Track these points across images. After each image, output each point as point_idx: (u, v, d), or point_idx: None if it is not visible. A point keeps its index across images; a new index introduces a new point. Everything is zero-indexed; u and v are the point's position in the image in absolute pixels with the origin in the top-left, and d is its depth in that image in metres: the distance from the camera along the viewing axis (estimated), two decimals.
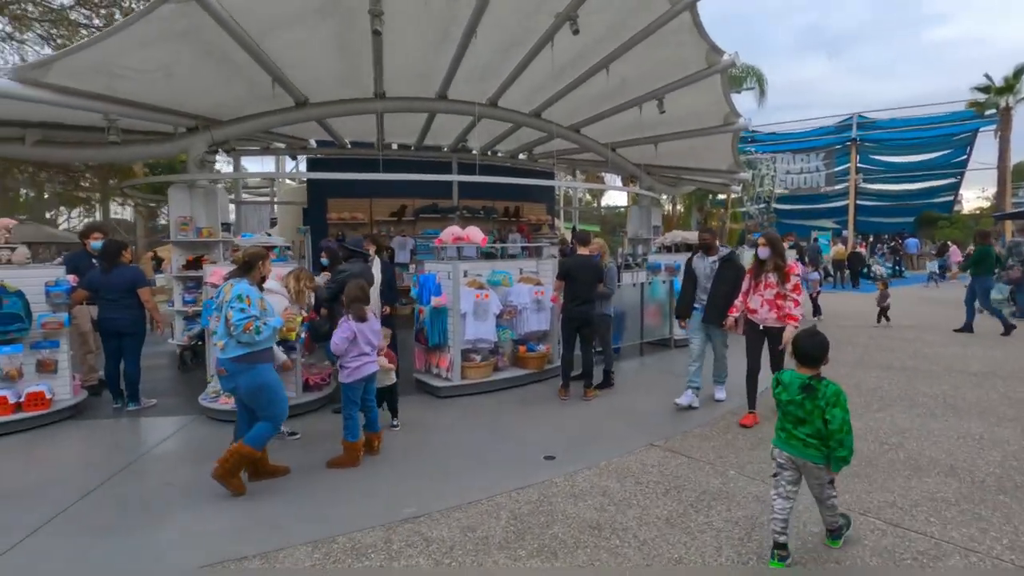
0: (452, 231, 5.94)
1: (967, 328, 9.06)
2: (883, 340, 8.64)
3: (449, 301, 5.68)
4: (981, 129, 27.55)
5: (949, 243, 22.23)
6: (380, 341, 4.26)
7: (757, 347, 4.91)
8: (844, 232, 27.21)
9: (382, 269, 5.78)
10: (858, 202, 31.14)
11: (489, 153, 14.02)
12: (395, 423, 4.83)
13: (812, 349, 2.82)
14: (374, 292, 5.55)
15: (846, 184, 30.77)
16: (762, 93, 22.31)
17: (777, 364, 4.71)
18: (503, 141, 12.54)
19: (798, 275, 4.71)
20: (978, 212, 32.68)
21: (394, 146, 12.99)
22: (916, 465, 3.95)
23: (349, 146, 12.36)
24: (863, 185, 31.37)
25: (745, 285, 4.92)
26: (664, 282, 8.15)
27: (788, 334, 4.46)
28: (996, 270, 10.61)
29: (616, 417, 5.22)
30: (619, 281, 6.99)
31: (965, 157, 28.81)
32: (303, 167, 14.23)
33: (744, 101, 23.80)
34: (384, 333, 4.54)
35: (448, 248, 6.07)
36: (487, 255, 9.06)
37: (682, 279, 5.61)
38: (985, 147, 28.45)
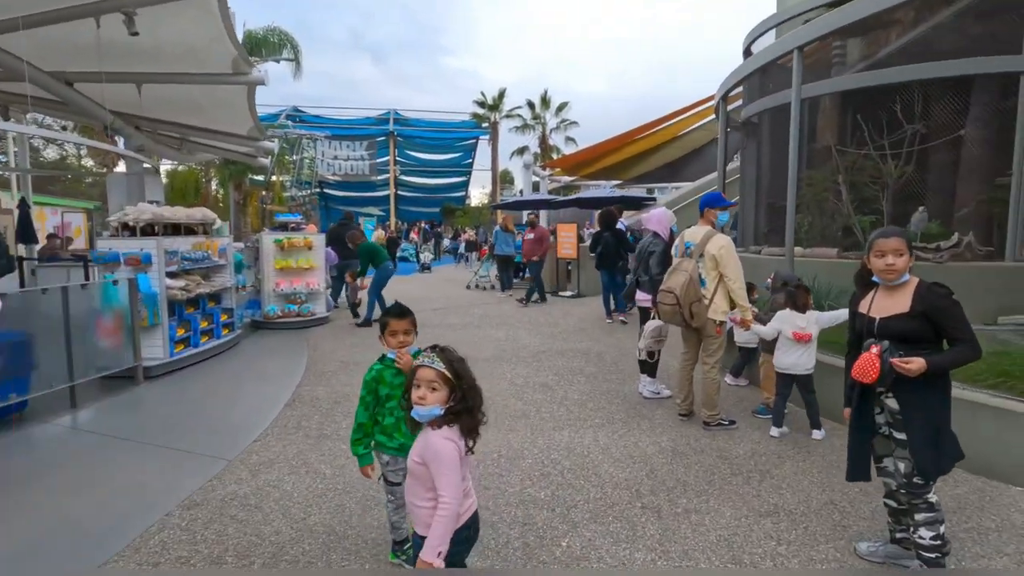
0: None
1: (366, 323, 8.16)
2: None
3: None
4: (480, 138, 34.21)
5: (463, 229, 26.47)
6: None
7: None
8: (387, 220, 29.13)
9: None
10: (399, 192, 34.20)
11: None
12: None
13: None
14: None
15: (388, 175, 33.20)
16: (298, 66, 20.67)
17: None
18: None
19: None
20: (481, 205, 40.82)
21: None
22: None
23: None
24: (401, 177, 34.59)
25: None
26: (118, 282, 5.29)
27: None
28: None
29: None
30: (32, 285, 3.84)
31: (471, 160, 35.38)
32: None
33: (281, 74, 21.79)
34: None
35: None
36: None
37: None
38: (484, 154, 35.62)
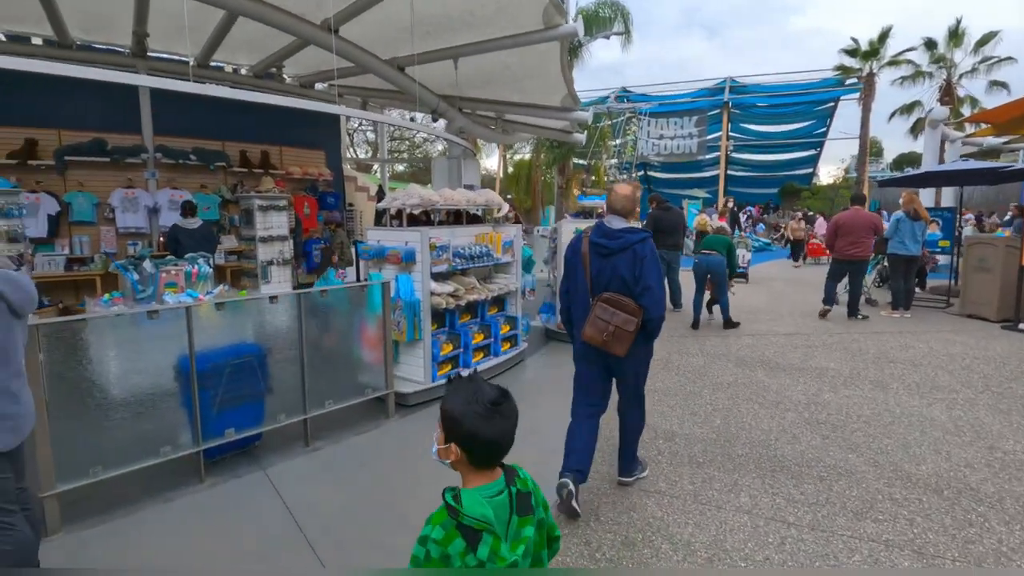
0: None
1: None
2: (749, 385, 5.37)
3: None
4: (843, 98, 26.92)
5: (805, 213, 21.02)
6: None
7: None
8: (730, 202, 25.39)
9: None
10: (728, 171, 29.91)
11: (219, 67, 9.28)
12: None
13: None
14: None
15: (718, 153, 29.31)
16: (628, 36, 18.95)
17: None
18: (225, 47, 7.89)
19: None
20: (835, 183, 32.89)
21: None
22: None
23: None
24: (733, 154, 30.14)
25: None
26: (365, 287, 4.13)
27: None
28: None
29: None
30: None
31: (825, 129, 28.25)
32: None
33: (610, 53, 20.54)
34: None
35: None
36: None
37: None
38: (843, 119, 28.04)
